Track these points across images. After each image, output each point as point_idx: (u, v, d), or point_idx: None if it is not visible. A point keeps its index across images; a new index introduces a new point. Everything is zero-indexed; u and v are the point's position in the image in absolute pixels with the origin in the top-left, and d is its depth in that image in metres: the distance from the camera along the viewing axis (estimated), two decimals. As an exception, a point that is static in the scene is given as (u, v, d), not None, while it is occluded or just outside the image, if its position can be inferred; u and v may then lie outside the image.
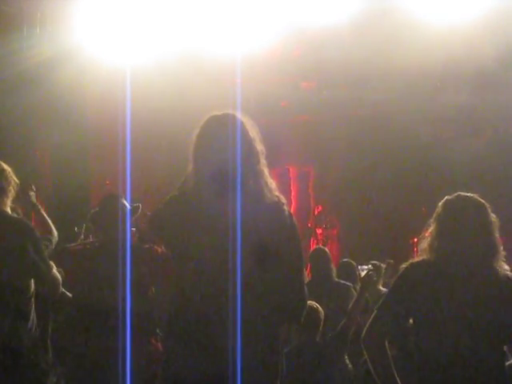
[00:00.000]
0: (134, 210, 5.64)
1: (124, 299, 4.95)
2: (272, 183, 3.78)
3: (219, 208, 3.59)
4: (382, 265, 8.17)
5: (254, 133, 3.78)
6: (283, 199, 3.79)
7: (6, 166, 4.97)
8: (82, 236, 7.32)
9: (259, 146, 3.78)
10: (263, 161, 3.78)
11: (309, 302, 6.24)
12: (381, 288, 9.47)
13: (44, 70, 10.56)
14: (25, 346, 4.76)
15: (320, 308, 6.33)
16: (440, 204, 3.98)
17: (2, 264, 4.70)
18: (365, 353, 3.88)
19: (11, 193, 4.93)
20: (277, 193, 3.79)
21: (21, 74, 10.46)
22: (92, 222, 5.84)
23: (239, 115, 3.78)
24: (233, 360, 3.46)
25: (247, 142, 3.70)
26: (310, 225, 17.49)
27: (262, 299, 3.59)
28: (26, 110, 10.93)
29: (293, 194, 17.95)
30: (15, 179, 4.99)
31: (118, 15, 10.64)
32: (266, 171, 3.77)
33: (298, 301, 3.76)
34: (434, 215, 3.96)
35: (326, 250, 8.25)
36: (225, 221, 3.56)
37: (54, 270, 4.96)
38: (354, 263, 9.04)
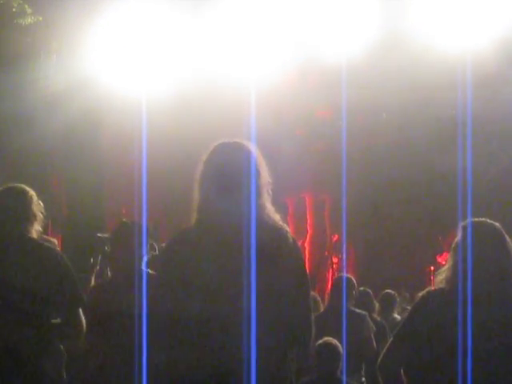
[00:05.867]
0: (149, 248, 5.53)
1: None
2: (275, 215, 3.76)
3: (221, 232, 3.59)
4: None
5: (259, 164, 3.75)
6: (286, 227, 3.76)
7: (29, 190, 4.69)
8: (98, 267, 7.25)
9: (264, 180, 3.75)
10: (266, 194, 3.76)
11: (327, 338, 6.24)
12: (396, 316, 9.45)
13: (60, 99, 10.63)
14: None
15: (338, 343, 6.30)
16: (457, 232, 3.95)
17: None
18: (380, 380, 3.85)
19: (37, 219, 4.69)
20: (280, 222, 3.76)
21: (36, 102, 10.52)
22: (107, 249, 5.75)
23: (248, 144, 3.76)
24: (241, 374, 3.43)
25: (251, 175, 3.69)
26: (326, 253, 17.46)
27: (268, 325, 3.55)
28: (42, 139, 10.99)
29: (309, 222, 17.94)
30: (40, 203, 4.72)
31: (132, 45, 10.72)
32: (268, 205, 3.75)
33: (303, 326, 3.71)
34: (452, 245, 3.94)
35: (352, 278, 8.21)
36: (228, 244, 3.55)
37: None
38: (371, 292, 9.02)
